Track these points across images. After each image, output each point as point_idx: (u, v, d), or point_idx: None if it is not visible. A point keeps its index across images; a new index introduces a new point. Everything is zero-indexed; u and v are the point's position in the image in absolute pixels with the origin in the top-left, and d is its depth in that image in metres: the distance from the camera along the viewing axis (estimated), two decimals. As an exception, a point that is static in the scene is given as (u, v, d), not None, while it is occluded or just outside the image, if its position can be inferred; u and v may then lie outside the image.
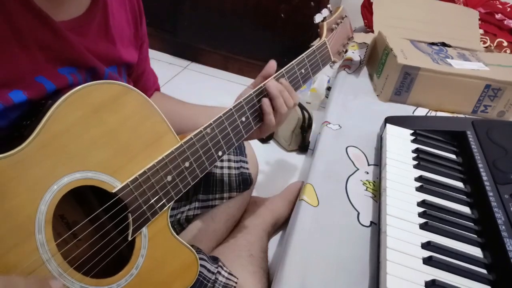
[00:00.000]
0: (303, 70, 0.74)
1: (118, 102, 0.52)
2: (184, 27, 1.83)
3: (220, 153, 0.62)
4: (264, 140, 1.43)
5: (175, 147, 0.56)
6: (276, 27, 1.70)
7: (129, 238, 0.52)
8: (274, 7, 1.66)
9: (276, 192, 1.14)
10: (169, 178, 0.56)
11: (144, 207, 0.53)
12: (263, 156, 1.35)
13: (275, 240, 1.03)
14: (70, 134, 0.47)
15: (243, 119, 0.65)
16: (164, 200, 0.55)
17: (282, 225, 1.05)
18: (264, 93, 0.67)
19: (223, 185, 0.88)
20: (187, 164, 0.58)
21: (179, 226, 0.88)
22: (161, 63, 1.85)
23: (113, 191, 0.50)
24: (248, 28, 1.74)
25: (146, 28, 0.74)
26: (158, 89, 0.85)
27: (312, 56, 0.76)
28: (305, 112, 1.34)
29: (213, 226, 0.88)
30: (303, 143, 1.39)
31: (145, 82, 0.79)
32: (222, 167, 0.89)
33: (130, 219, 0.52)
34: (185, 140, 0.57)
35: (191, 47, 1.88)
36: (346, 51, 0.91)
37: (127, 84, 0.53)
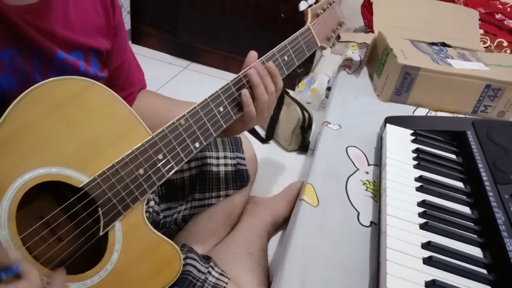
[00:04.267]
0: (285, 57, 0.72)
1: (81, 97, 0.51)
2: (184, 27, 1.83)
3: (197, 145, 0.61)
4: (264, 140, 1.43)
5: (146, 139, 0.55)
6: (276, 27, 1.70)
7: (101, 233, 0.52)
8: (274, 7, 1.66)
9: (276, 192, 1.14)
10: (141, 171, 0.55)
11: (114, 200, 0.53)
12: (263, 156, 1.35)
13: (275, 240, 1.03)
14: (32, 130, 0.47)
15: (221, 109, 0.63)
16: (136, 193, 0.55)
17: (282, 225, 1.05)
18: (242, 82, 0.65)
19: (219, 182, 0.87)
20: (160, 156, 0.57)
21: (176, 226, 0.88)
22: (161, 63, 1.85)
23: (80, 185, 0.50)
24: (248, 28, 1.74)
25: (141, 27, 0.72)
26: (144, 86, 0.83)
27: (295, 43, 0.74)
28: (305, 112, 1.34)
29: (211, 226, 0.88)
30: (303, 143, 1.38)
31: (127, 76, 0.76)
32: (218, 164, 0.88)
33: (100, 213, 0.51)
34: (156, 132, 0.57)
35: (191, 47, 1.88)
36: (338, 37, 0.88)
37: (89, 79, 0.52)
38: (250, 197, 1.02)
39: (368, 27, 1.38)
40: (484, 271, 0.57)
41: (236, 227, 0.95)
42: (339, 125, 0.93)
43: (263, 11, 1.68)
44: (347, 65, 1.23)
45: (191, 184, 0.86)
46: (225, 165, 0.89)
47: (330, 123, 0.94)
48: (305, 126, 1.34)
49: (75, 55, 0.60)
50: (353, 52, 1.30)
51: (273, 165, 1.34)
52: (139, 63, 0.82)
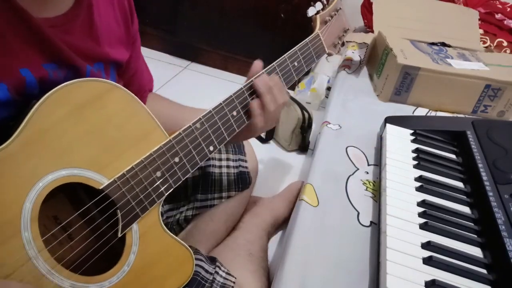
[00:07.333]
0: (295, 63, 0.74)
1: (102, 99, 0.51)
2: (184, 27, 1.83)
3: (211, 148, 0.62)
4: (264, 140, 1.43)
5: (163, 142, 0.56)
6: (276, 27, 1.70)
7: (119, 235, 0.52)
8: (274, 7, 1.66)
9: (276, 192, 1.14)
10: (158, 173, 0.55)
11: (133, 203, 0.53)
12: (263, 156, 1.35)
13: (275, 240, 1.03)
14: (54, 131, 0.47)
15: (234, 113, 0.64)
16: (153, 196, 0.55)
17: (282, 225, 1.05)
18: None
19: (221, 184, 0.88)
20: (176, 159, 0.57)
21: (178, 226, 0.88)
22: (161, 63, 1.85)
23: (100, 187, 0.50)
24: (248, 28, 1.74)
25: (140, 27, 0.72)
26: (151, 89, 0.84)
27: (305, 49, 0.76)
28: (305, 112, 1.34)
29: (212, 226, 0.88)
30: (303, 143, 1.39)
31: (139, 82, 0.77)
32: (220, 166, 0.89)
33: (119, 215, 0.52)
34: (173, 135, 0.57)
35: (191, 47, 1.88)
36: (343, 43, 0.89)
37: (111, 81, 0.53)
38: (250, 196, 1.02)
39: (368, 27, 1.38)
40: (484, 271, 0.57)
41: (236, 227, 0.95)
42: (339, 125, 0.93)
43: (263, 11, 1.69)
44: (347, 65, 1.23)
45: (193, 185, 0.86)
46: (228, 167, 0.89)
47: (330, 123, 0.94)
48: (305, 126, 1.35)
49: (97, 67, 0.60)
50: (353, 52, 1.30)
51: (273, 165, 1.34)
52: (147, 66, 0.82)
